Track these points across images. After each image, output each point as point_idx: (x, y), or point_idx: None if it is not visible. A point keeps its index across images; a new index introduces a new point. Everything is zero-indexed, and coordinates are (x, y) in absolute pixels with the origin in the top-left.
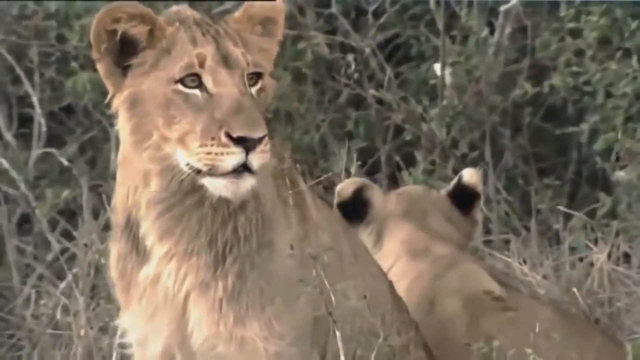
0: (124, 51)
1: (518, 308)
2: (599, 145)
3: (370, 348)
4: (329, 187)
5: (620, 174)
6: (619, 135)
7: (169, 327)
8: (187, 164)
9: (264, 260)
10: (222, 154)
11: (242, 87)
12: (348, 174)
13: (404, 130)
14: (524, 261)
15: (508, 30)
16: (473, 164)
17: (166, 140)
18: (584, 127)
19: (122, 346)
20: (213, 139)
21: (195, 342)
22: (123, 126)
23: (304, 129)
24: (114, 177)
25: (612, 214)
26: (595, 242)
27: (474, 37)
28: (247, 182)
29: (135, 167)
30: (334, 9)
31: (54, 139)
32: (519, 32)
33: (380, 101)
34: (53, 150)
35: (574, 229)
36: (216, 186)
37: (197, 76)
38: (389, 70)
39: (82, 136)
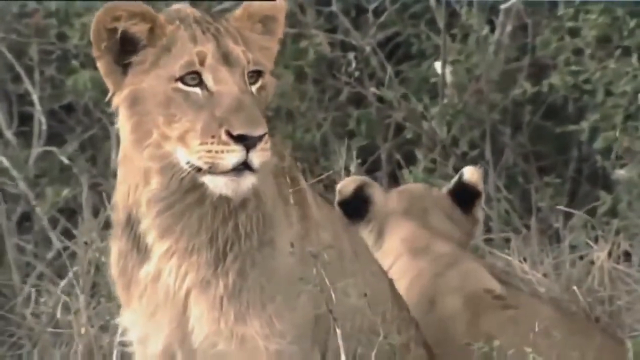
0: (124, 49)
1: (518, 306)
2: (599, 144)
3: (371, 346)
4: (330, 185)
5: (620, 172)
6: (619, 134)
7: (170, 325)
8: (188, 162)
9: (265, 258)
10: (222, 152)
11: (242, 85)
12: (348, 172)
13: (404, 129)
14: (525, 259)
15: (508, 28)
16: (473, 162)
17: (166, 138)
18: (584, 125)
19: (123, 344)
20: (213, 137)
21: (196, 339)
22: (123, 124)
23: (305, 127)
24: (114, 175)
25: (613, 212)
26: (596, 240)
27: (474, 35)
28: (248, 180)
29: (136, 165)
30: (335, 7)
31: (54, 137)
32: (519, 30)
33: (380, 99)
34: (53, 148)
35: (575, 227)
36: (216, 184)
37: (198, 74)
38: (389, 69)
39: (82, 134)
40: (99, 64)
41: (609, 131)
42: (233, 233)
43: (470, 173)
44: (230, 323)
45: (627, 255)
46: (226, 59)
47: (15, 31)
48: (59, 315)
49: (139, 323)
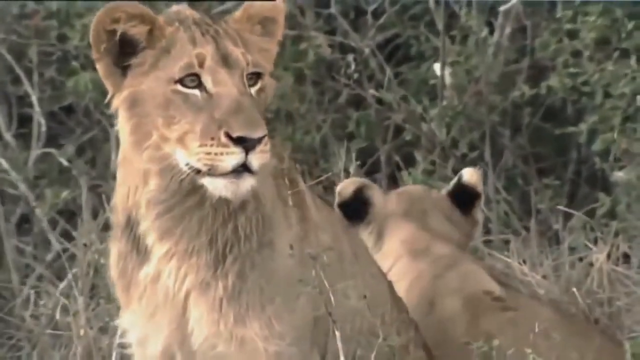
0: (124, 51)
1: (518, 308)
2: (597, 146)
3: (370, 348)
4: (329, 187)
5: (619, 174)
6: (617, 136)
7: (169, 327)
8: (187, 164)
9: (264, 260)
10: (221, 154)
11: (241, 87)
12: (347, 174)
13: (403, 130)
14: (524, 261)
15: (508, 30)
16: (473, 164)
17: (166, 140)
18: (583, 127)
19: (122, 346)
20: (213, 139)
21: (196, 341)
22: (123, 126)
23: (305, 129)
24: (113, 177)
25: (612, 214)
26: (595, 242)
27: (473, 37)
28: (247, 182)
29: (135, 167)
30: (334, 9)
31: (54, 139)
32: (518, 32)
33: (380, 101)
34: (53, 150)
35: (574, 229)
36: (216, 186)
37: (197, 76)
38: (388, 71)
39: (81, 136)
40: (98, 66)
41: (607, 133)
42: (232, 235)
43: (469, 174)
44: (230, 325)
45: (626, 257)
46: (225, 60)
47: (15, 32)
48: (58, 317)
49: (138, 324)
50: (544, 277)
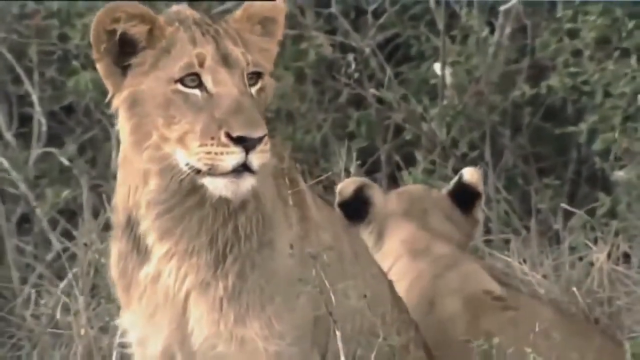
0: (124, 51)
1: (518, 308)
2: (597, 145)
3: (371, 348)
4: (329, 187)
5: (619, 174)
6: (618, 135)
7: (169, 327)
8: (187, 164)
9: (265, 260)
10: (221, 153)
11: (241, 87)
12: (348, 174)
13: (404, 130)
14: (524, 261)
15: (508, 30)
16: (473, 163)
17: (166, 140)
18: (583, 127)
19: (122, 346)
20: (213, 138)
21: (196, 341)
22: (123, 126)
23: (305, 128)
24: (114, 176)
25: (612, 214)
26: (595, 241)
27: (474, 36)
28: (247, 182)
29: (136, 167)
30: (334, 8)
31: (54, 139)
32: (518, 32)
33: (380, 101)
34: (53, 149)
35: (574, 228)
36: (216, 186)
37: (197, 76)
38: (389, 70)
39: (82, 136)
40: (98, 66)
41: (607, 132)
42: (233, 235)
43: (470, 174)
44: (230, 325)
45: (627, 257)
46: (225, 60)
47: (15, 32)
48: (58, 316)
49: (138, 324)
50: (544, 276)
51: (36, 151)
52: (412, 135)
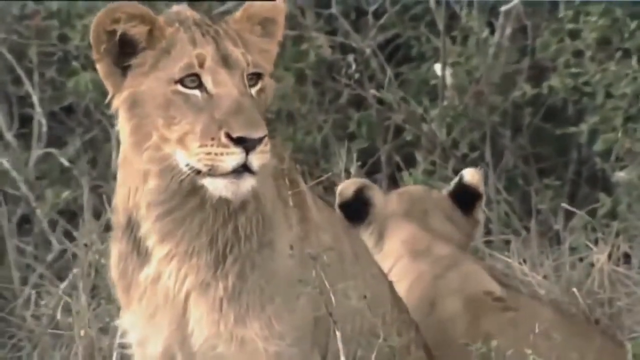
0: (124, 51)
1: (518, 308)
2: (598, 146)
3: (371, 348)
4: (330, 188)
5: (620, 175)
6: (619, 136)
7: (169, 327)
8: (187, 165)
9: (265, 260)
10: (222, 154)
11: (242, 88)
12: (348, 175)
13: (404, 131)
14: (524, 261)
15: (508, 30)
16: (473, 164)
17: (166, 140)
18: (584, 127)
19: (123, 346)
20: (213, 139)
21: (196, 342)
22: (123, 127)
23: (306, 129)
24: (114, 177)
25: (612, 215)
26: (596, 242)
27: (474, 37)
28: (247, 183)
29: (136, 168)
30: (334, 9)
31: (55, 139)
32: (519, 32)
33: (380, 101)
34: (54, 150)
35: (575, 229)
36: (216, 186)
37: (197, 76)
38: (389, 71)
39: (82, 136)
40: (98, 66)
41: (608, 133)
42: (233, 235)
43: (470, 175)
44: (230, 325)
45: (627, 257)
46: (225, 61)
47: (15, 33)
48: (59, 317)
49: (138, 325)
50: (545, 277)
51: (36, 152)
52: (412, 136)
